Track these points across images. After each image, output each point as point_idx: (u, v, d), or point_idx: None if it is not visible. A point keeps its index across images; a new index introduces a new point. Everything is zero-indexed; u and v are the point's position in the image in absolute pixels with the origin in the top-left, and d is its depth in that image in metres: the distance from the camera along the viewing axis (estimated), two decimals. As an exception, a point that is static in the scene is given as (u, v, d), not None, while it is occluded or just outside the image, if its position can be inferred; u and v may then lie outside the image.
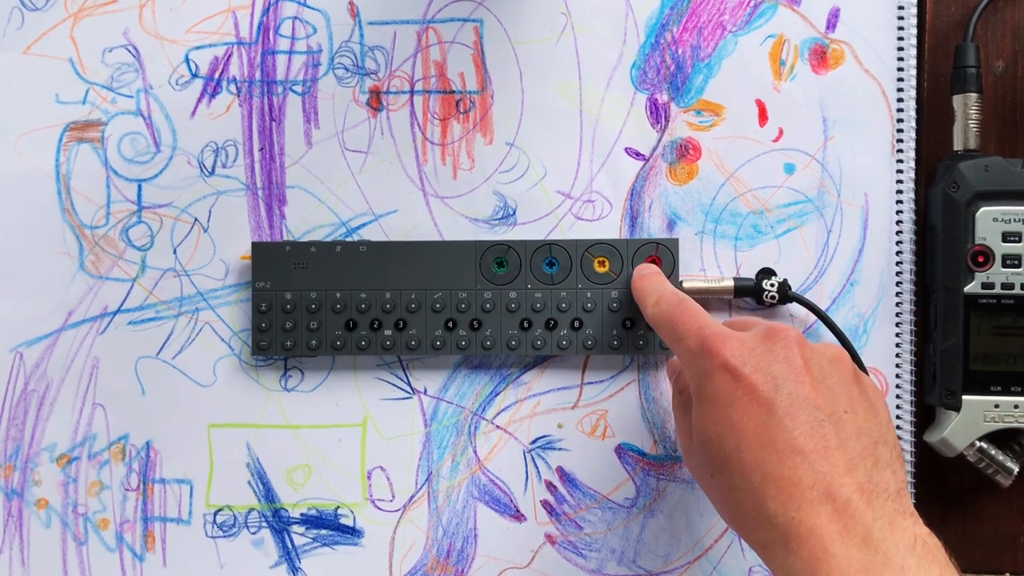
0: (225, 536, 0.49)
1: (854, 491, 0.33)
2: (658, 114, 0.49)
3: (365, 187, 0.49)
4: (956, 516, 0.49)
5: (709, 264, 0.49)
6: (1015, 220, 0.45)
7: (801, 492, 0.33)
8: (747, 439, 0.34)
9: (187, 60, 0.49)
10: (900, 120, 0.48)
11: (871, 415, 0.36)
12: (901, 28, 0.48)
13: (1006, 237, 0.45)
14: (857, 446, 0.34)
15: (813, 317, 0.48)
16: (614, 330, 0.48)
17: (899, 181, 0.48)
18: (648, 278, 0.45)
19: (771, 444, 0.34)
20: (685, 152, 0.49)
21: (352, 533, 0.49)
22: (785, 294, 0.47)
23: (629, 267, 0.48)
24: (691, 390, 0.38)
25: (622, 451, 0.49)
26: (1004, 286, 0.45)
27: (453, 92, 0.49)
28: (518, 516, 0.49)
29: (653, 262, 0.48)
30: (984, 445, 0.46)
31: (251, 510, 0.49)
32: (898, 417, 0.48)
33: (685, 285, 0.48)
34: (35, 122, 0.49)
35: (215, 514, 0.49)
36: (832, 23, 0.48)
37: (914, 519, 0.33)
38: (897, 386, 0.48)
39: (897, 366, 0.48)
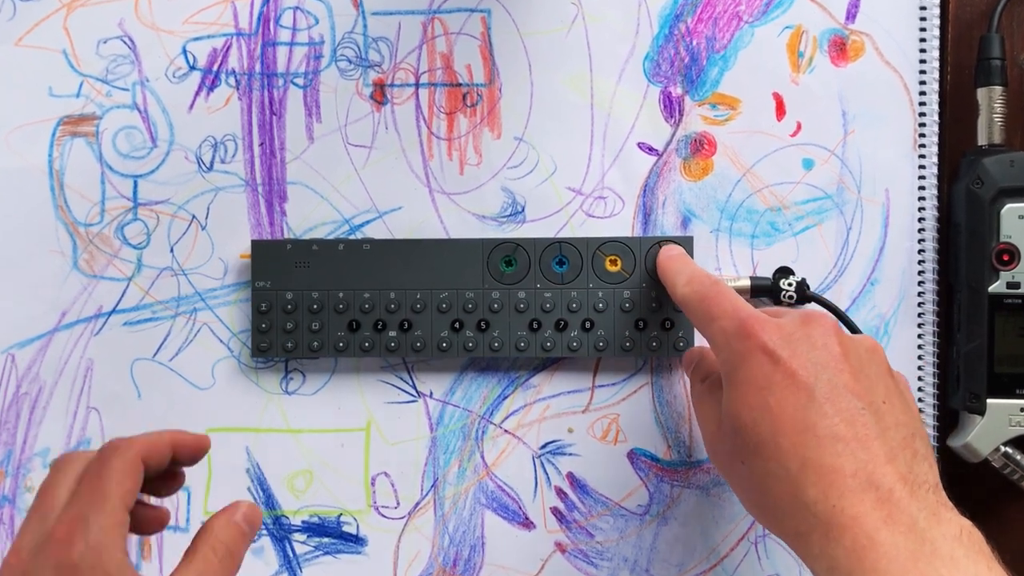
0: None
1: (896, 480, 0.33)
2: (672, 108, 0.48)
3: (369, 183, 0.48)
4: (980, 525, 0.46)
5: (725, 263, 0.48)
6: (1043, 217, 0.44)
7: (843, 479, 0.32)
8: (785, 424, 0.34)
9: (184, 52, 0.48)
10: (922, 114, 0.48)
11: (906, 408, 0.36)
12: (923, 19, 0.48)
13: (1033, 235, 0.44)
14: (897, 436, 0.34)
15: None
16: (626, 331, 0.47)
17: (921, 177, 0.48)
18: (677, 258, 0.44)
19: (811, 430, 0.34)
20: (700, 147, 0.48)
21: (355, 541, 0.48)
22: (803, 294, 0.47)
23: (642, 266, 0.47)
24: (723, 374, 0.38)
25: (635, 456, 0.48)
26: (1031, 285, 0.45)
27: (460, 85, 0.48)
28: (527, 524, 0.48)
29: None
30: (1010, 450, 0.45)
31: None
32: None
33: (700, 284, 0.46)
34: (27, 116, 0.48)
35: None
36: (852, 13, 0.48)
37: (955, 512, 0.33)
38: (919, 389, 0.48)
39: (919, 368, 0.48)
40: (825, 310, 0.37)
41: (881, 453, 0.33)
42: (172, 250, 0.48)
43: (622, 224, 0.48)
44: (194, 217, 0.48)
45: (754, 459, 0.35)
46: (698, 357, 0.43)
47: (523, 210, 0.48)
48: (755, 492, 0.36)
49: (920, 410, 0.47)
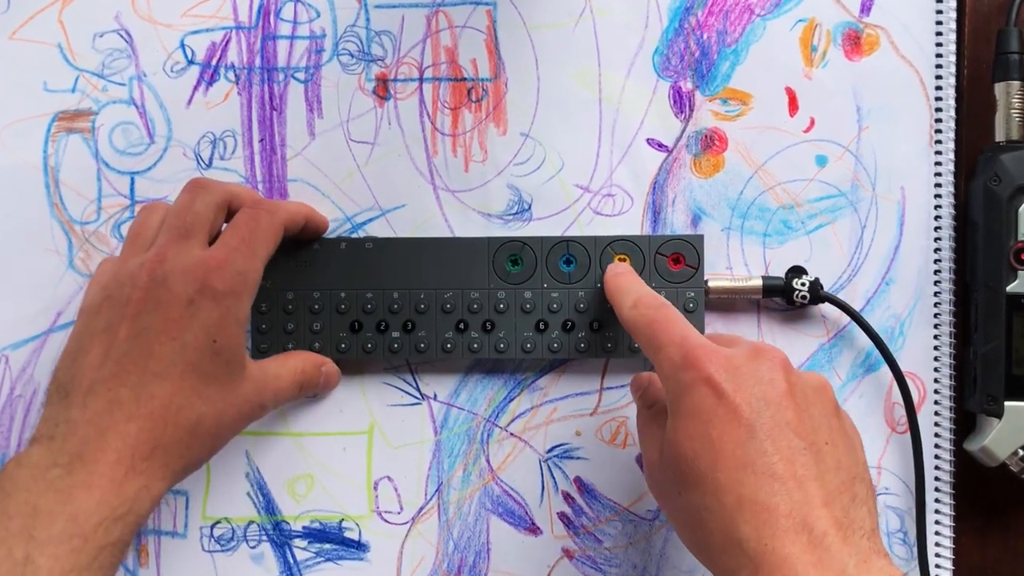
0: (223, 550, 0.47)
1: (831, 524, 0.32)
2: (682, 103, 0.47)
3: (371, 180, 0.48)
4: (997, 530, 0.47)
5: (736, 262, 0.47)
6: (1063, 215, 0.44)
7: (777, 519, 0.32)
8: (724, 459, 0.34)
9: (183, 46, 0.48)
10: (939, 109, 0.47)
11: (850, 450, 0.36)
12: (940, 12, 0.47)
13: (1053, 233, 0.44)
14: (836, 480, 0.34)
15: (846, 318, 0.47)
16: None
17: (937, 174, 0.47)
18: (623, 276, 0.43)
19: (749, 467, 0.33)
20: (710, 143, 0.47)
21: (357, 547, 0.47)
22: (817, 294, 0.46)
23: (652, 265, 0.46)
24: (667, 402, 0.37)
25: None
26: (1050, 285, 0.44)
27: (465, 80, 0.48)
28: (533, 529, 0.47)
29: (676, 260, 0.46)
30: (1028, 454, 0.45)
31: (250, 523, 0.47)
32: (936, 424, 0.47)
33: (711, 284, 0.46)
34: (21, 111, 0.48)
35: (212, 527, 0.47)
36: (867, 6, 0.47)
37: (887, 560, 0.33)
38: (936, 391, 0.47)
39: (935, 370, 0.47)
40: (776, 348, 0.37)
41: (818, 495, 0.33)
42: (170, 249, 0.47)
43: (631, 222, 0.47)
44: (192, 215, 0.47)
45: (691, 492, 0.35)
46: (646, 383, 0.43)
47: (529, 208, 0.48)
48: (690, 525, 0.35)
49: (936, 413, 0.47)
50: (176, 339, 0.38)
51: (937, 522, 0.46)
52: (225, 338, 0.39)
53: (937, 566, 0.46)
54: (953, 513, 0.46)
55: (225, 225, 0.43)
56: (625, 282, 0.42)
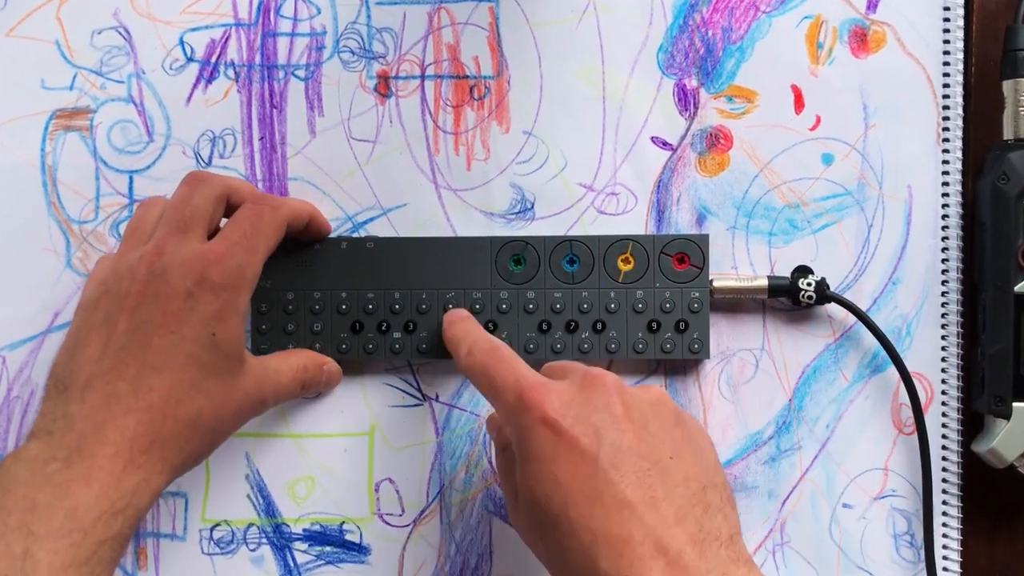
0: (222, 553, 0.47)
1: (685, 542, 0.32)
2: (687, 101, 0.47)
3: (372, 179, 0.47)
4: (1005, 533, 0.47)
5: (741, 262, 0.47)
6: (1071, 214, 0.44)
7: (632, 548, 0.32)
8: (574, 497, 0.34)
9: (182, 43, 0.47)
10: (946, 107, 0.47)
11: (697, 459, 0.35)
12: (947, 8, 0.47)
13: (1062, 233, 0.44)
14: (686, 493, 0.34)
15: (853, 319, 0.46)
16: (639, 333, 0.46)
17: (945, 172, 0.47)
18: (459, 324, 0.43)
19: (599, 500, 0.33)
20: (716, 141, 0.47)
21: (358, 550, 0.47)
22: (823, 294, 0.46)
23: (656, 265, 0.46)
24: (514, 447, 0.37)
25: None
26: (1059, 285, 0.44)
27: (467, 77, 0.47)
28: None
29: (681, 259, 0.46)
30: (1037, 456, 0.44)
31: (250, 525, 0.47)
32: (944, 426, 0.46)
33: (716, 284, 0.46)
34: (19, 109, 0.47)
35: (212, 529, 0.47)
36: (873, 3, 0.47)
37: (748, 567, 0.33)
38: (943, 392, 0.46)
39: (943, 371, 0.46)
40: (606, 372, 0.37)
41: (670, 514, 0.33)
42: (169, 248, 0.47)
43: (635, 221, 0.47)
44: (192, 214, 0.47)
45: (550, 534, 0.34)
46: (498, 425, 0.42)
47: (532, 207, 0.47)
48: (556, 567, 0.35)
49: (944, 414, 0.46)
50: (175, 332, 0.37)
51: (944, 524, 0.46)
52: (224, 331, 0.38)
53: (945, 569, 0.45)
54: (961, 515, 0.46)
55: (225, 220, 0.42)
56: (460, 330, 0.42)
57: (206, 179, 0.41)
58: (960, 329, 0.46)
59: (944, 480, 0.46)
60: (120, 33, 0.47)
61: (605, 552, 0.32)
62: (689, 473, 0.34)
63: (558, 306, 0.46)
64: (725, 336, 0.47)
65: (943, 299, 0.46)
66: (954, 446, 0.46)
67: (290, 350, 0.45)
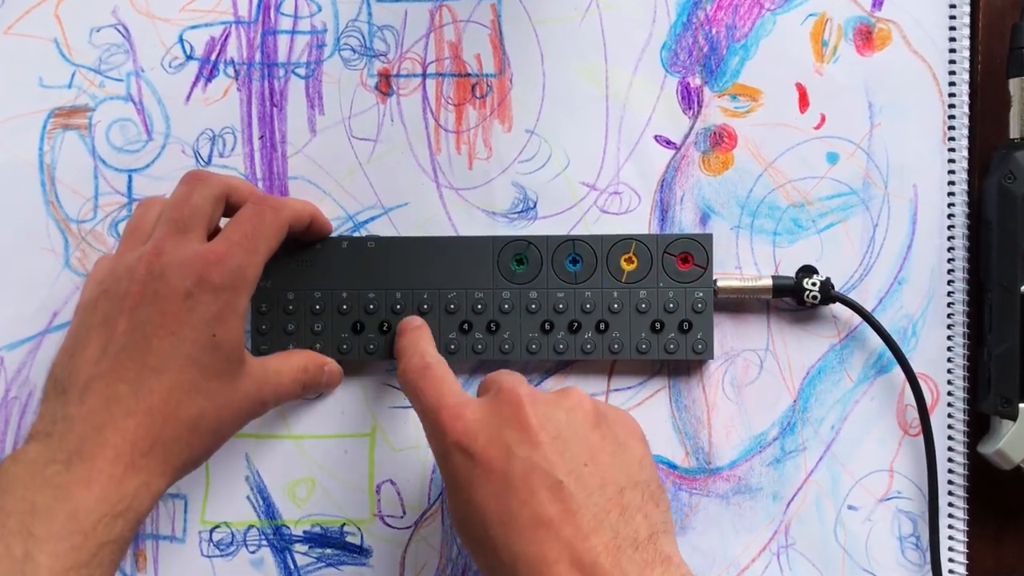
0: (222, 555, 0.47)
1: (600, 552, 0.32)
2: (690, 99, 0.47)
3: (373, 178, 0.47)
4: (1012, 534, 0.47)
5: (746, 261, 0.47)
6: (1079, 213, 0.43)
7: (548, 567, 0.32)
8: (491, 518, 0.34)
9: (181, 41, 0.47)
10: (952, 106, 0.46)
11: (615, 459, 0.35)
12: (953, 6, 0.46)
13: (1068, 232, 0.44)
14: (600, 500, 0.34)
15: (858, 319, 0.46)
16: (642, 333, 0.45)
17: (951, 172, 0.46)
18: (405, 336, 0.43)
19: (514, 520, 0.34)
20: (719, 140, 0.47)
21: (359, 552, 0.47)
22: (828, 294, 0.45)
23: (659, 265, 0.45)
24: (439, 469, 0.37)
25: None
26: (1066, 285, 0.44)
27: (469, 75, 0.47)
28: None
29: (684, 259, 0.45)
30: (1044, 457, 0.44)
31: (250, 527, 0.47)
32: (950, 427, 0.46)
33: (720, 284, 0.46)
34: (17, 108, 0.47)
35: (211, 531, 0.47)
36: (878, 1, 0.46)
37: (665, 566, 0.33)
38: (949, 393, 0.46)
39: (949, 372, 0.46)
40: (520, 383, 0.37)
41: (585, 524, 0.33)
42: (168, 248, 0.47)
43: (638, 221, 0.47)
44: (191, 213, 0.47)
45: (478, 554, 0.35)
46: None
47: (535, 206, 0.47)
48: None
49: (949, 415, 0.46)
50: (175, 333, 0.37)
51: (950, 526, 0.45)
52: (224, 332, 0.38)
53: (951, 571, 0.45)
54: (967, 517, 0.45)
55: (225, 220, 0.42)
56: (405, 342, 0.42)
57: (205, 178, 0.41)
58: (966, 329, 0.46)
59: (950, 482, 0.45)
60: (119, 31, 0.47)
61: (524, 572, 0.33)
62: (605, 477, 0.34)
63: (561, 306, 0.45)
64: (729, 336, 0.46)
65: (949, 299, 0.46)
66: (960, 447, 0.45)
67: (291, 351, 0.44)
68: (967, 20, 0.46)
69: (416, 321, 0.44)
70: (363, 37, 0.47)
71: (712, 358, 0.46)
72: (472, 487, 0.34)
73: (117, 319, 0.37)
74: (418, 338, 0.43)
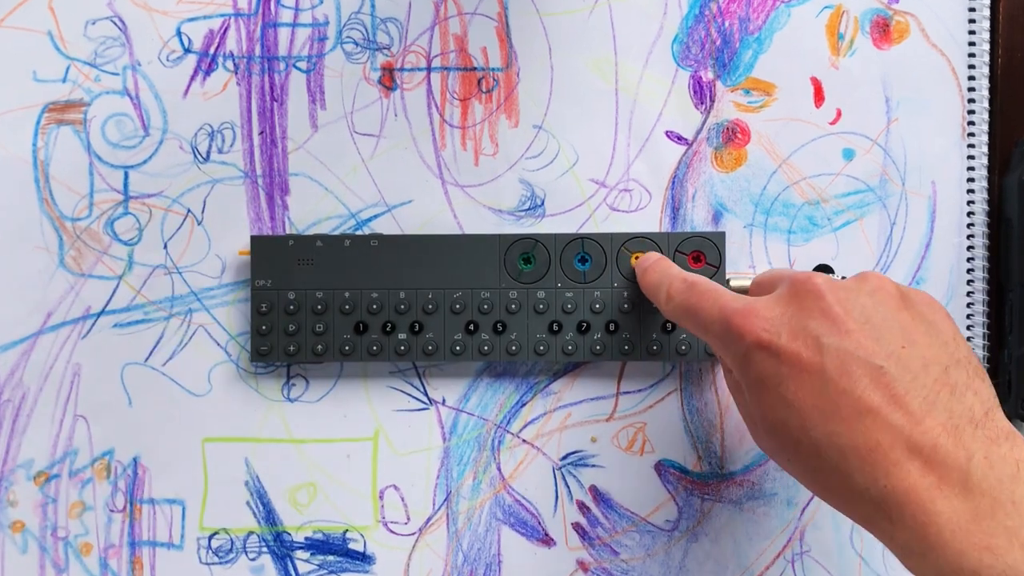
0: (221, 563, 0.46)
1: (939, 434, 0.30)
2: (702, 93, 0.46)
3: (377, 175, 0.46)
4: None
5: (759, 260, 0.46)
6: (1106, 211, 0.43)
7: (883, 455, 0.31)
8: (810, 415, 0.32)
9: (179, 33, 0.46)
10: (971, 100, 0.46)
11: (932, 338, 0.33)
12: None
13: (1095, 230, 0.43)
14: (927, 381, 0.32)
15: (875, 319, 0.45)
16: (653, 334, 0.44)
17: (970, 168, 0.46)
18: (651, 271, 0.42)
19: (836, 413, 0.32)
20: (732, 136, 0.46)
21: (362, 559, 0.46)
22: (844, 294, 0.44)
23: (671, 264, 0.44)
24: (737, 376, 0.36)
25: (662, 468, 0.46)
26: (1092, 285, 0.43)
27: (475, 69, 0.46)
28: (547, 540, 0.46)
29: (696, 258, 0.45)
30: (1068, 462, 0.43)
31: (250, 533, 0.46)
32: None
33: (733, 284, 0.45)
34: (10, 102, 0.46)
35: (210, 538, 0.46)
36: None
37: (1011, 442, 0.31)
38: (969, 396, 0.45)
39: None
40: (813, 273, 0.35)
41: (916, 407, 0.31)
42: (166, 246, 0.46)
43: (649, 219, 0.46)
44: (189, 211, 0.46)
45: (796, 456, 0.33)
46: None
47: (542, 204, 0.46)
48: (814, 486, 0.34)
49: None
50: None
51: (970, 533, 0.44)
52: None
53: (970, 579, 0.44)
54: (987, 523, 0.44)
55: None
56: (654, 278, 0.41)
57: None
58: (986, 331, 0.45)
59: (969, 487, 0.45)
60: (115, 23, 0.46)
61: (856, 465, 0.31)
62: (927, 357, 0.32)
63: (569, 306, 0.44)
64: (742, 337, 0.45)
65: (968, 299, 0.45)
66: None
67: None
68: (987, 13, 0.45)
69: (653, 256, 0.43)
70: (366, 30, 0.46)
71: (725, 360, 0.45)
72: (783, 385, 0.33)
73: None
74: (667, 266, 0.42)
